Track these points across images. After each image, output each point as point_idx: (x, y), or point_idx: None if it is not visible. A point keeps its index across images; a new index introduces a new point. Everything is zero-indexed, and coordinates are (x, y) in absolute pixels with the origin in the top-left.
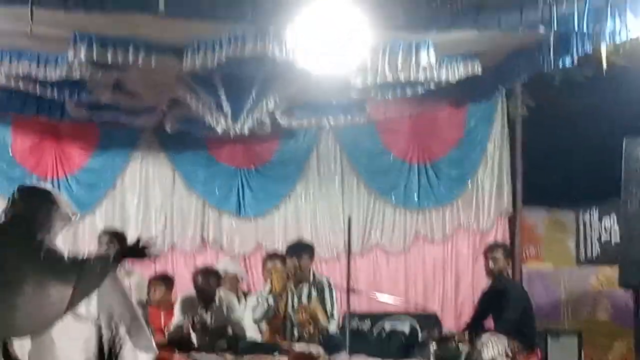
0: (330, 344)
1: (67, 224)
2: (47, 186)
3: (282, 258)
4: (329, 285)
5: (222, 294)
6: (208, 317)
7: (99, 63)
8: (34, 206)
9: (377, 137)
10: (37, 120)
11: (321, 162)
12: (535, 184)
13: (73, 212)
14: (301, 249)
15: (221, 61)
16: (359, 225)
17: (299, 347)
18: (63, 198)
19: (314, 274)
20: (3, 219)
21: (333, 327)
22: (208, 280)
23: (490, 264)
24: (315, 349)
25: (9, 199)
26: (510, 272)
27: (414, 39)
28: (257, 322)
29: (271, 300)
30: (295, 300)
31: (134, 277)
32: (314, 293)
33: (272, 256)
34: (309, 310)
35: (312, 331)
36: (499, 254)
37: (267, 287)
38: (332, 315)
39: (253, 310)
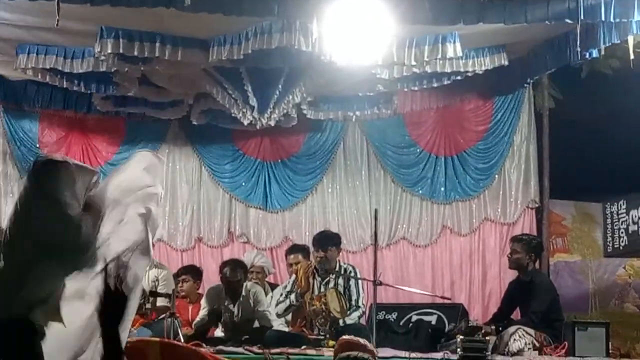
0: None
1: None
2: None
3: (305, 251)
4: (355, 274)
5: (249, 286)
6: (235, 309)
7: (126, 57)
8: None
9: (404, 130)
10: (64, 115)
11: (348, 154)
12: (562, 176)
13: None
14: (327, 240)
15: (247, 53)
16: (386, 217)
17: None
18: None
19: (339, 264)
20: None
21: (354, 317)
22: (236, 273)
23: (511, 255)
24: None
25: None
26: (535, 264)
27: (441, 32)
28: (280, 317)
29: (293, 298)
30: (322, 291)
31: (163, 271)
32: (340, 282)
33: (294, 249)
34: (323, 300)
35: (323, 321)
36: (518, 247)
37: (291, 282)
38: (357, 305)
39: (276, 305)
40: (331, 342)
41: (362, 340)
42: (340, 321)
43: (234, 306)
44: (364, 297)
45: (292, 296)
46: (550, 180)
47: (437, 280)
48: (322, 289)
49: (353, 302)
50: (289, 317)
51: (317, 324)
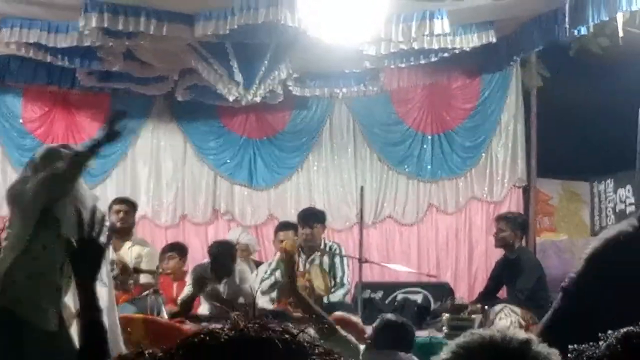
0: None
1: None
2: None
3: (294, 228)
4: (340, 252)
5: (235, 263)
6: (221, 287)
7: (110, 31)
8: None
9: (391, 107)
10: (47, 90)
11: (334, 132)
12: (550, 155)
13: None
14: (312, 217)
15: (233, 29)
16: (372, 195)
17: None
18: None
19: (325, 242)
20: None
21: (339, 295)
22: (227, 254)
23: (497, 234)
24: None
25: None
26: (521, 241)
27: (428, 8)
28: (265, 294)
29: (278, 275)
30: (307, 268)
31: (147, 247)
32: (325, 260)
33: (284, 226)
34: (307, 277)
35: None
36: (503, 225)
37: (276, 259)
38: (342, 282)
39: (261, 283)
40: None
41: (354, 318)
42: (325, 299)
43: (220, 284)
44: (349, 274)
45: (277, 273)
46: (538, 159)
47: (423, 259)
48: (307, 267)
49: (338, 280)
50: (274, 294)
51: None
